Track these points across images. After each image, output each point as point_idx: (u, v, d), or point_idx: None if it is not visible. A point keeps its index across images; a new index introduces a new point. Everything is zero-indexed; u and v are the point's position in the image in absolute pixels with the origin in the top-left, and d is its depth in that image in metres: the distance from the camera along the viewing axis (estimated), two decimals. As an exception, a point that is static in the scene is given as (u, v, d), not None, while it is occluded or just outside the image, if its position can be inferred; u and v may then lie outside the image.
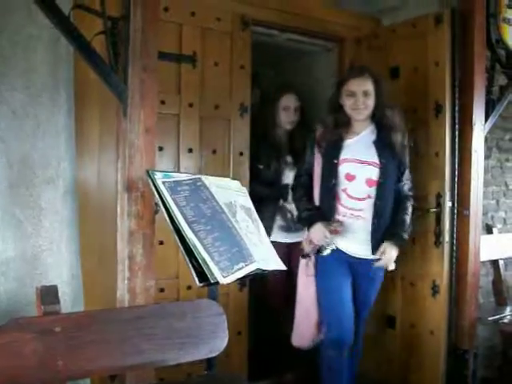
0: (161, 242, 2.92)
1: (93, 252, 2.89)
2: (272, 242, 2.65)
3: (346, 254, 3.01)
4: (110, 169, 2.70)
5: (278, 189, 3.60)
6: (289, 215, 3.60)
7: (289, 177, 3.59)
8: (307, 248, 3.07)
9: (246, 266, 2.03)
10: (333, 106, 3.07)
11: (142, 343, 1.87)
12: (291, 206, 3.49)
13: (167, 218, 2.01)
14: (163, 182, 2.05)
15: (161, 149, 2.99)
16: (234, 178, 2.63)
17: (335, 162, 2.98)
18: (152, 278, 2.48)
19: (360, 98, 2.94)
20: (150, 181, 2.07)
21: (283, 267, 2.36)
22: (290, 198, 3.49)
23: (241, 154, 3.37)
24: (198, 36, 3.19)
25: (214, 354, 1.98)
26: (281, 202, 3.60)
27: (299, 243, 3.26)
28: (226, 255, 1.99)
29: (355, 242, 3.00)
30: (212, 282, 1.95)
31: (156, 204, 2.30)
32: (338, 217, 2.99)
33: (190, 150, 3.17)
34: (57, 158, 2.87)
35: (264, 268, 2.13)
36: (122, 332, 1.85)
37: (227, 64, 3.32)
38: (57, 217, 2.87)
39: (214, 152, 3.28)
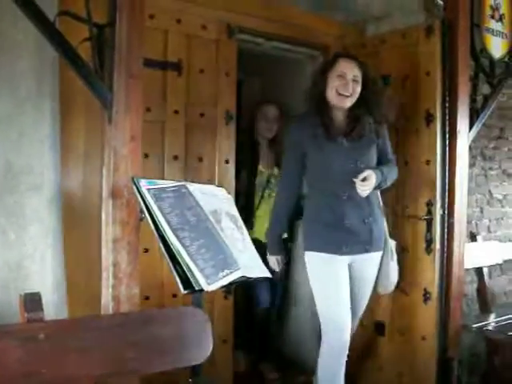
0: (146, 250, 2.92)
1: (77, 259, 2.88)
2: None
3: None
4: (94, 176, 2.69)
5: None
6: None
7: None
8: None
9: (231, 273, 2.03)
10: None
11: (126, 351, 1.85)
12: None
13: (152, 225, 2.01)
14: (148, 189, 2.04)
15: (146, 156, 2.98)
16: (219, 186, 2.63)
17: None
18: (136, 286, 2.48)
19: None
20: (134, 188, 2.06)
21: (268, 274, 2.36)
22: None
23: (226, 161, 3.38)
24: (184, 43, 3.20)
25: (198, 362, 1.97)
26: None
27: None
28: (210, 262, 1.99)
29: None
30: (196, 289, 1.94)
31: (141, 211, 2.29)
32: None
33: (176, 158, 3.17)
34: (41, 166, 2.86)
35: (248, 275, 2.13)
36: (106, 339, 1.84)
37: (213, 71, 3.33)
38: (41, 224, 2.85)
39: (200, 159, 3.28)
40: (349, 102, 2.94)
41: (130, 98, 2.44)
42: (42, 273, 2.85)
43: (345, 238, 2.95)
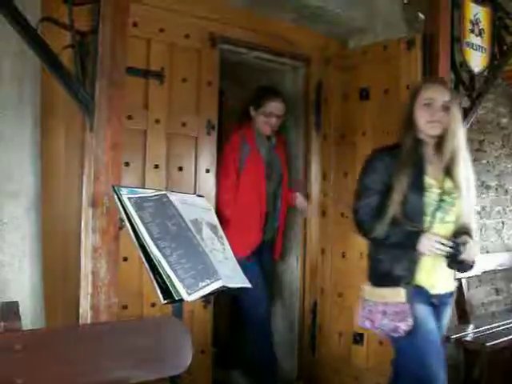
0: (125, 259, 2.90)
1: (56, 268, 2.85)
2: None
3: None
4: (75, 184, 2.68)
5: None
6: None
7: None
8: None
9: (211, 283, 2.02)
10: None
11: (104, 361, 1.84)
12: None
13: (132, 235, 1.99)
14: (129, 198, 2.03)
15: (127, 164, 2.97)
16: (199, 195, 2.62)
17: None
18: (115, 295, 2.46)
19: None
20: (115, 196, 2.05)
21: (248, 285, 2.35)
22: None
23: (207, 171, 3.37)
24: (167, 52, 3.20)
25: (177, 372, 1.96)
26: None
27: None
28: (191, 272, 1.98)
29: None
30: (176, 299, 1.93)
31: (121, 220, 2.28)
32: None
33: (157, 166, 3.16)
34: (21, 173, 2.82)
35: (229, 285, 2.12)
36: (84, 349, 1.82)
37: (195, 81, 3.33)
38: (20, 232, 2.82)
39: (181, 169, 3.28)
40: None
41: (111, 105, 2.44)
42: (20, 281, 2.81)
43: None
